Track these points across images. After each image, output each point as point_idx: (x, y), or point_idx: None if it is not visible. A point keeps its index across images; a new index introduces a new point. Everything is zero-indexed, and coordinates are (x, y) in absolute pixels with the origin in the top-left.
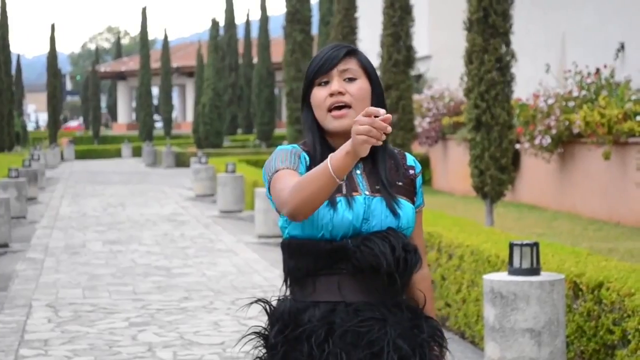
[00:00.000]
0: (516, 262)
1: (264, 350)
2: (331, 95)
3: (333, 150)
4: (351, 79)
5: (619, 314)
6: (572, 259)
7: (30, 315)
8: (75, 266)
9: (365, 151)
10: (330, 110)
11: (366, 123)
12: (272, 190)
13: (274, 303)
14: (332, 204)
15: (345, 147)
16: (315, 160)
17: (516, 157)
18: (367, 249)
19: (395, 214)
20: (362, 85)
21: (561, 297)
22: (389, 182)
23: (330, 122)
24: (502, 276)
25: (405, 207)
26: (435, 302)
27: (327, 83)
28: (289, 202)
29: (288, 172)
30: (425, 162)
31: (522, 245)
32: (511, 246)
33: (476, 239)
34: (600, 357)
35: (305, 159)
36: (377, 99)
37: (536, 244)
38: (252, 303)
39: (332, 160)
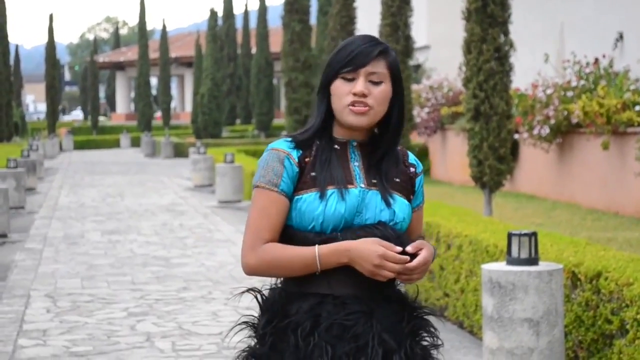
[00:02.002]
0: (514, 252)
1: (254, 341)
2: (354, 94)
3: (333, 140)
4: (376, 83)
5: (617, 303)
6: (571, 248)
7: (28, 306)
8: (73, 256)
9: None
10: (349, 106)
11: (397, 271)
12: (250, 208)
13: (267, 292)
14: (324, 196)
15: (342, 258)
16: (309, 148)
17: (515, 147)
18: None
19: (389, 207)
20: (385, 89)
21: (559, 286)
22: (387, 177)
23: (348, 116)
24: (501, 266)
25: (400, 202)
26: (434, 292)
27: (352, 79)
28: (253, 260)
29: (264, 204)
30: (423, 152)
31: (520, 235)
32: (509, 236)
33: (475, 229)
34: (599, 346)
35: (290, 162)
36: (399, 105)
37: (534, 234)
38: (243, 292)
39: (322, 260)
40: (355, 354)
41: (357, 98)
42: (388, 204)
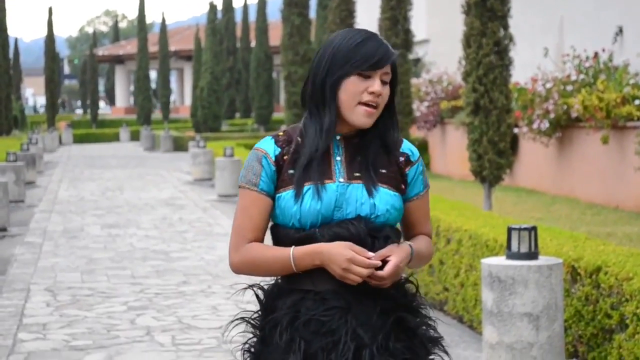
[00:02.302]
0: (514, 247)
1: (250, 336)
2: (371, 93)
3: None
4: (385, 83)
5: (617, 298)
6: (570, 243)
7: (28, 299)
8: (73, 250)
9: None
10: (361, 104)
11: (365, 276)
12: (236, 208)
13: (266, 287)
14: (299, 194)
15: (315, 260)
16: (289, 146)
17: (514, 141)
18: (325, 239)
19: (370, 200)
20: (388, 91)
21: (559, 281)
22: (373, 168)
23: (358, 116)
24: (500, 260)
25: (383, 194)
26: (433, 286)
27: (367, 77)
28: (237, 260)
29: (246, 204)
30: (423, 146)
31: (520, 229)
32: (509, 230)
33: (474, 223)
34: (598, 341)
35: (267, 162)
36: (392, 106)
37: (534, 228)
38: (245, 289)
39: (296, 261)
40: (330, 349)
41: (372, 97)
42: (370, 197)
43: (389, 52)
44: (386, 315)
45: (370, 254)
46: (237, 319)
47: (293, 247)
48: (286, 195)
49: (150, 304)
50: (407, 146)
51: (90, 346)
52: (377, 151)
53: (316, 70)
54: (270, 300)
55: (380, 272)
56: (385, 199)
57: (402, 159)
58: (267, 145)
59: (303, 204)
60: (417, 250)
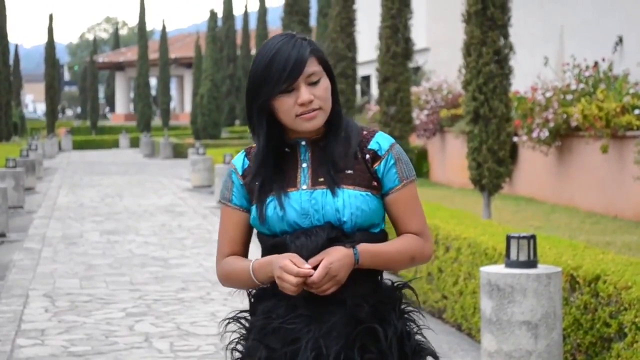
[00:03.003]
0: (513, 255)
1: (239, 336)
2: (301, 104)
3: (283, 144)
4: (315, 82)
5: (616, 307)
6: (569, 251)
7: (27, 305)
8: (72, 256)
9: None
10: (298, 116)
11: (294, 285)
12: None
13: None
14: (261, 208)
15: (269, 272)
16: (261, 159)
17: (514, 150)
18: (294, 246)
19: (334, 205)
20: (326, 85)
21: (558, 290)
22: (335, 171)
23: (301, 125)
24: (499, 269)
25: (347, 196)
26: (432, 294)
27: (292, 90)
28: (218, 274)
29: (222, 219)
30: (423, 154)
31: (519, 237)
32: (508, 239)
33: (473, 232)
34: (597, 350)
35: (235, 176)
36: (334, 95)
37: (533, 237)
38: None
39: (256, 274)
40: (292, 358)
41: (305, 108)
42: (334, 202)
43: (300, 55)
44: (353, 326)
45: (307, 264)
46: (228, 319)
47: (253, 259)
48: (254, 207)
49: (149, 310)
50: (376, 140)
51: (89, 352)
52: (339, 151)
53: (246, 93)
54: (255, 303)
55: (311, 278)
56: (349, 202)
57: (368, 156)
58: (238, 160)
59: (267, 215)
60: (366, 249)
